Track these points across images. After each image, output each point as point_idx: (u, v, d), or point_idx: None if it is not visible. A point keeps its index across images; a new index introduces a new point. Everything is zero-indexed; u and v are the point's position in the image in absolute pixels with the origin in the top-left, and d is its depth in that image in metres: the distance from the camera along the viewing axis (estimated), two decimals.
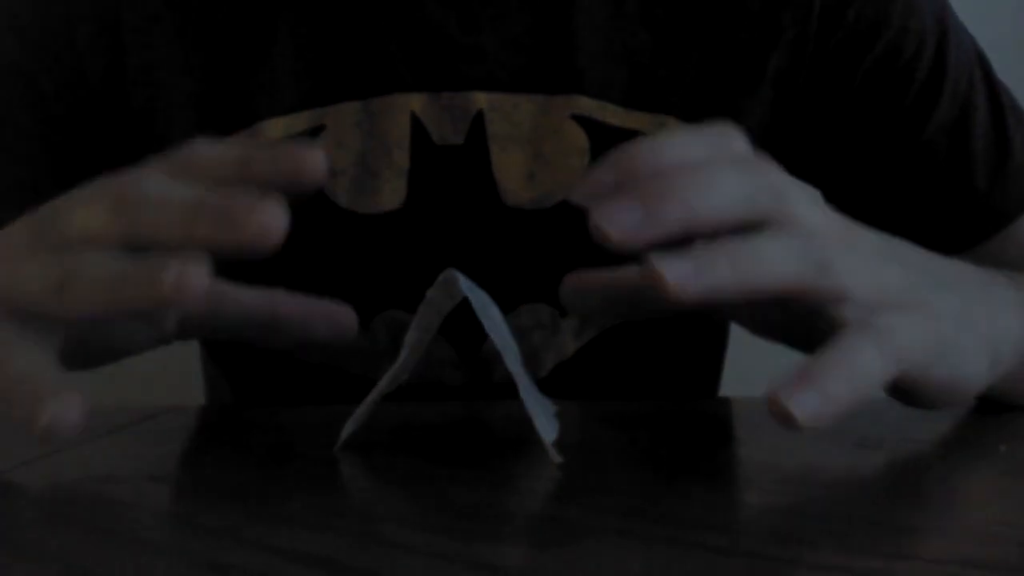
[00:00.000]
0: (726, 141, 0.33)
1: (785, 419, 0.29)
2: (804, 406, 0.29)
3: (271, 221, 0.30)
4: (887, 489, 0.32)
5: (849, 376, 0.30)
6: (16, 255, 0.33)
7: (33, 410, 0.31)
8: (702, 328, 0.63)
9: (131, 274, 0.30)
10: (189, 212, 0.31)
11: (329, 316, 0.39)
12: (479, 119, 0.51)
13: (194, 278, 0.29)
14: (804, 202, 0.33)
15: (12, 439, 0.40)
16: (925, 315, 0.34)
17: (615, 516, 0.28)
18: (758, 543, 0.25)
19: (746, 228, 0.31)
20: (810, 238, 0.32)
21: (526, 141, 0.51)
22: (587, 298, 0.38)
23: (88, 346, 0.37)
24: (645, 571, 0.23)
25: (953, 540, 0.26)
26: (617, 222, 0.29)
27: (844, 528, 0.26)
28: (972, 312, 0.37)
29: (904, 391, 0.35)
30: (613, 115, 0.51)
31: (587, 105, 0.51)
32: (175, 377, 0.82)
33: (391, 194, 0.51)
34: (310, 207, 0.51)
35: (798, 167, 0.58)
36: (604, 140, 0.51)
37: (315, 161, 0.32)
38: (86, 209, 0.33)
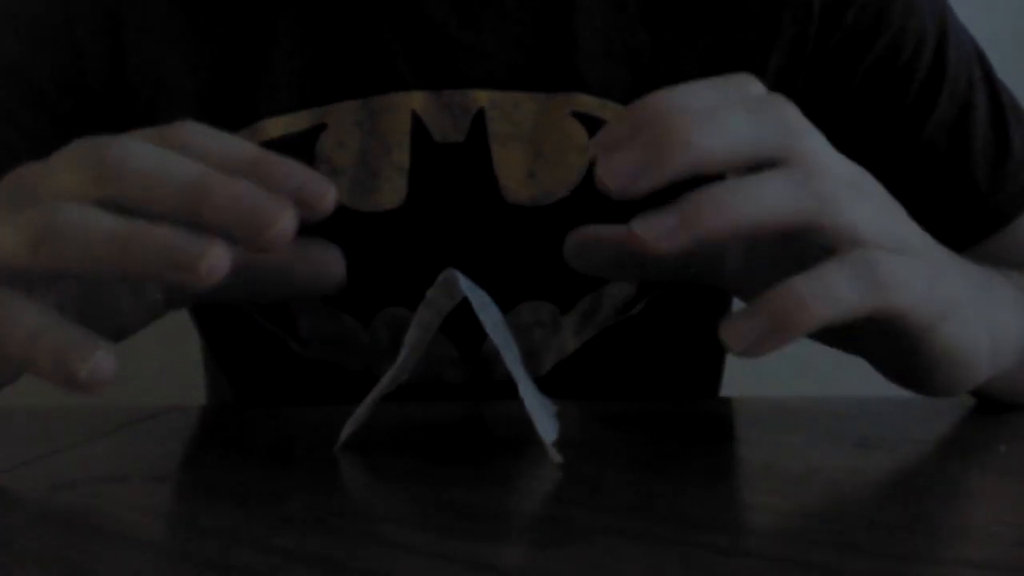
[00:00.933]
0: (741, 85, 0.33)
1: (731, 345, 0.29)
2: (749, 332, 0.29)
3: (288, 228, 0.29)
4: (887, 489, 0.32)
5: (816, 298, 0.29)
6: None
7: (66, 364, 0.29)
8: (703, 327, 0.63)
9: (143, 239, 0.29)
10: (195, 191, 0.30)
11: (312, 257, 0.37)
12: (480, 117, 0.51)
13: (222, 265, 0.29)
14: (818, 141, 0.32)
15: (12, 439, 0.40)
16: (930, 265, 0.33)
17: (615, 516, 0.28)
18: (758, 543, 0.25)
19: (758, 168, 0.31)
20: (818, 174, 0.31)
21: (527, 139, 0.51)
22: (592, 256, 0.37)
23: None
24: (645, 571, 0.23)
25: (953, 540, 0.26)
26: (617, 172, 0.29)
27: (844, 528, 0.26)
28: (975, 296, 0.36)
29: (910, 350, 0.34)
30: (613, 113, 0.51)
31: (588, 103, 0.51)
32: (175, 377, 0.82)
33: (392, 192, 0.51)
34: None
35: None
36: None
37: (330, 198, 0.32)
38: (70, 171, 0.31)
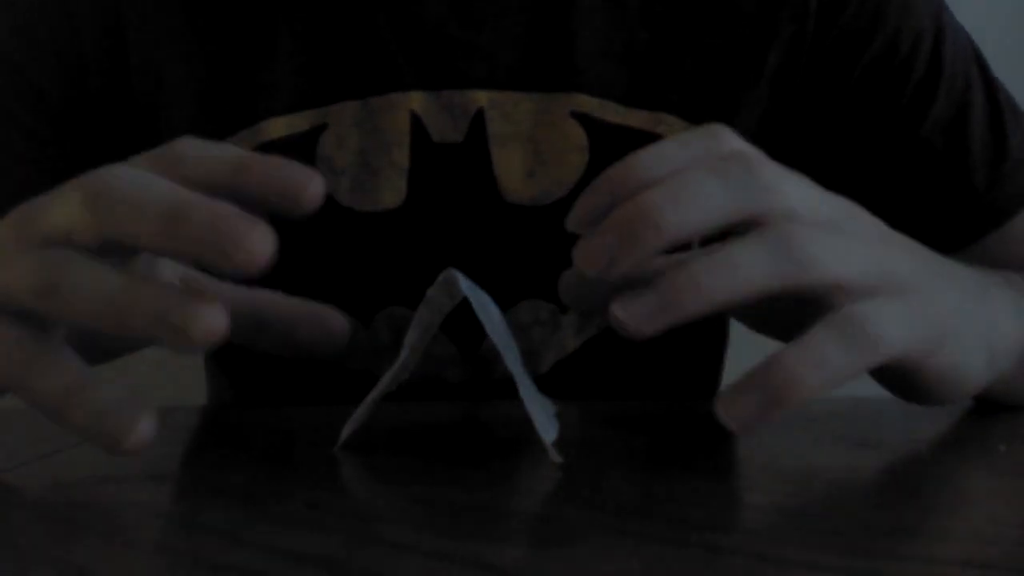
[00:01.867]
0: (715, 143, 0.32)
1: (728, 423, 0.29)
2: (744, 409, 0.29)
3: (260, 247, 0.28)
4: (887, 489, 0.32)
5: (807, 369, 0.29)
6: (1, 255, 0.32)
7: (112, 432, 0.30)
8: (702, 327, 0.63)
9: (140, 301, 0.29)
10: (171, 220, 0.29)
11: (318, 320, 0.38)
12: (479, 117, 0.51)
13: (217, 327, 0.28)
14: (793, 194, 0.32)
15: (12, 439, 0.40)
16: (923, 300, 0.33)
17: (615, 516, 0.28)
18: (758, 543, 0.25)
19: (737, 229, 0.31)
20: (794, 234, 0.31)
21: (526, 139, 0.51)
22: (585, 295, 0.37)
23: (84, 346, 0.36)
24: (645, 571, 0.23)
25: (953, 540, 0.26)
26: (592, 259, 0.30)
27: (844, 528, 0.26)
28: (970, 309, 0.37)
29: (902, 380, 0.35)
30: (613, 113, 0.51)
31: (586, 103, 0.51)
32: (175, 377, 0.82)
33: (391, 192, 0.51)
34: None
35: (795, 163, 0.58)
36: (603, 137, 0.51)
37: (314, 189, 0.31)
38: (63, 205, 0.31)
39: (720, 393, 0.30)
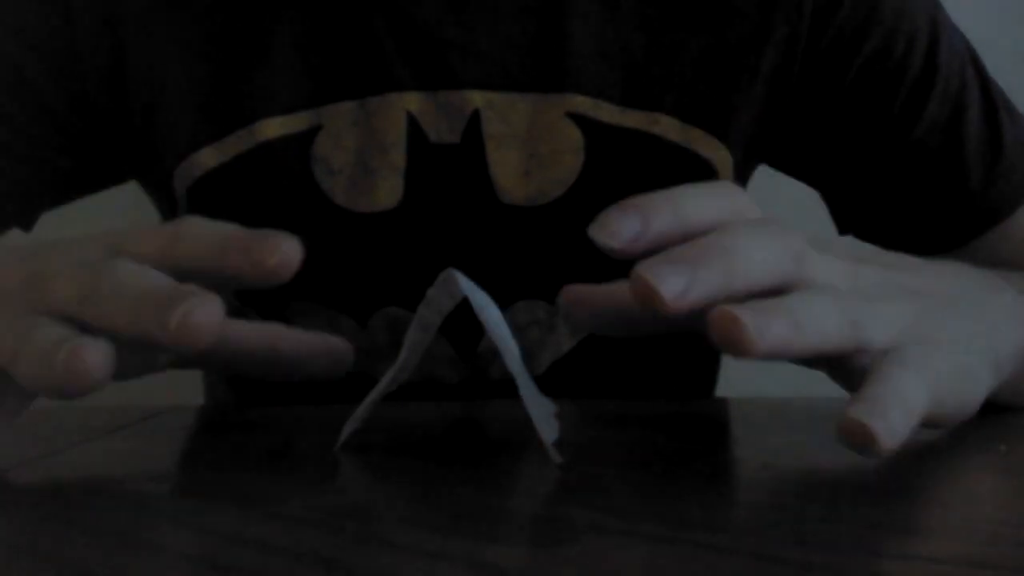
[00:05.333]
0: (738, 203, 0.33)
1: (865, 444, 0.29)
2: (884, 432, 0.29)
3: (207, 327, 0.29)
4: (887, 489, 0.32)
5: (904, 406, 0.30)
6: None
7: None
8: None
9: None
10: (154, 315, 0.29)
11: (327, 350, 0.38)
12: (475, 118, 0.51)
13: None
14: (821, 262, 0.32)
15: (12, 439, 0.40)
16: (939, 346, 0.33)
17: (615, 516, 0.28)
18: (758, 543, 0.25)
19: (771, 292, 0.31)
20: (838, 297, 0.31)
21: (522, 139, 0.51)
22: (586, 313, 0.36)
23: None
24: (645, 571, 0.23)
25: (953, 540, 0.26)
26: (669, 286, 0.29)
27: (844, 528, 0.26)
28: (977, 329, 0.36)
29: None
30: (608, 113, 0.51)
31: (582, 103, 0.51)
32: (175, 377, 0.82)
33: (388, 192, 0.51)
34: (308, 206, 0.52)
35: (792, 164, 0.58)
36: (599, 138, 0.51)
37: (280, 259, 0.31)
38: (70, 282, 0.32)
39: (854, 420, 0.30)
